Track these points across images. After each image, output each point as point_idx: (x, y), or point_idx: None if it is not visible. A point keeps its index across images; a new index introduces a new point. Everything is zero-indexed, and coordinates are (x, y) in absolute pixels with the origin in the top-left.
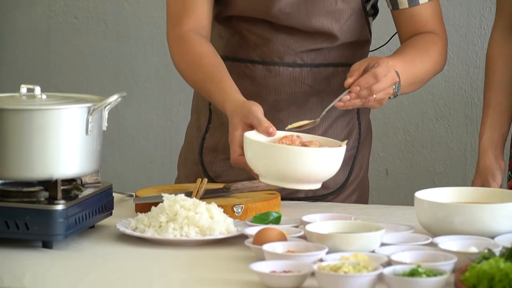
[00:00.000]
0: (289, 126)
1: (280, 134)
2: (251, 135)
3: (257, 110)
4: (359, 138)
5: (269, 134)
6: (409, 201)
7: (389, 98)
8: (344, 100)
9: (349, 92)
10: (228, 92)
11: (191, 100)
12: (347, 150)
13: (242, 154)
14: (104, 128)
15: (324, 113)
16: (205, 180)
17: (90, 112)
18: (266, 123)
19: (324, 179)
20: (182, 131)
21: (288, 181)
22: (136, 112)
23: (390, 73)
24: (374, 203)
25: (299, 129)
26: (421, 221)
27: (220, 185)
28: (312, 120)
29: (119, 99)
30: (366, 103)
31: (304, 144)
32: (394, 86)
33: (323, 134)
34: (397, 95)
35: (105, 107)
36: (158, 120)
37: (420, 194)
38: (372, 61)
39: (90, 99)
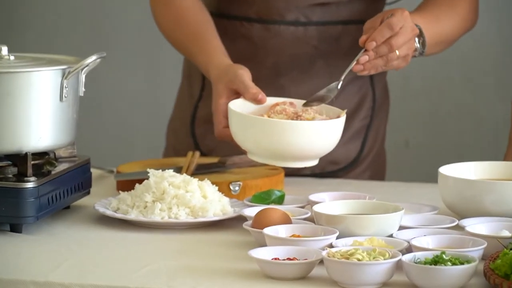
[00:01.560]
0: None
1: (270, 101)
2: (237, 105)
3: (244, 74)
4: (374, 105)
5: (257, 101)
6: (432, 177)
7: (414, 56)
8: (363, 62)
9: (366, 50)
10: (212, 54)
11: (182, 61)
12: (359, 120)
13: (228, 126)
14: (81, 94)
15: (341, 81)
16: (197, 153)
17: (64, 75)
18: (253, 88)
19: (321, 155)
20: (170, 97)
21: (279, 159)
22: (118, 75)
23: (407, 23)
24: (391, 180)
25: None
26: (446, 201)
27: (215, 159)
28: (330, 95)
29: (98, 60)
30: (390, 62)
31: (297, 115)
32: (417, 40)
33: (331, 103)
34: (423, 52)
35: (82, 69)
36: (143, 85)
37: (445, 170)
38: (385, 14)
39: (64, 60)
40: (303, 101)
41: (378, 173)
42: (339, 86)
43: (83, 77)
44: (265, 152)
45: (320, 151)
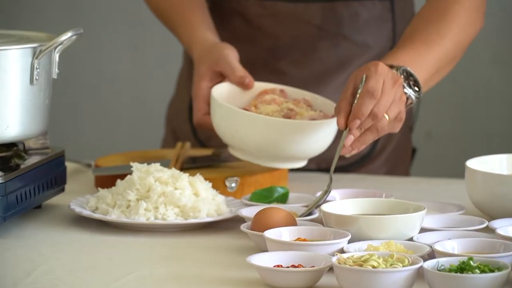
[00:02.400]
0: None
1: (259, 86)
2: (220, 90)
3: (230, 54)
4: None
5: (244, 86)
6: (458, 172)
7: (411, 105)
8: (349, 143)
9: (349, 130)
10: (196, 27)
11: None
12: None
13: (209, 113)
14: (55, 76)
15: (331, 179)
16: (187, 144)
17: (36, 55)
18: (240, 71)
19: (311, 156)
20: (158, 80)
21: (265, 158)
22: (97, 54)
23: (387, 78)
24: (412, 175)
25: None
26: (474, 199)
27: (208, 151)
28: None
29: (74, 37)
30: (381, 131)
31: (288, 108)
32: (405, 86)
33: (341, 84)
34: (420, 94)
35: (55, 48)
36: (126, 66)
37: (473, 163)
38: (357, 76)
39: (35, 37)
40: (295, 89)
41: (399, 167)
42: (330, 186)
43: (56, 56)
44: (249, 150)
45: (312, 152)
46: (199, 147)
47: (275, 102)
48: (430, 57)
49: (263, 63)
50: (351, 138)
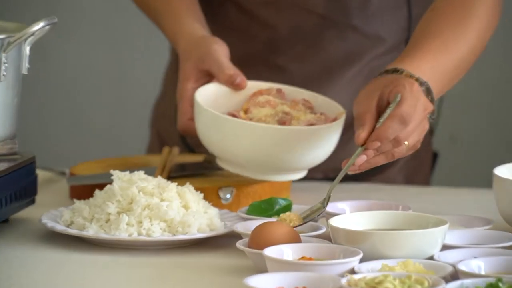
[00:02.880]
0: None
1: (253, 86)
2: (205, 93)
3: (218, 50)
4: None
5: (235, 86)
6: (485, 180)
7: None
8: (360, 163)
9: (366, 149)
10: (182, 19)
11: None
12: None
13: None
14: (25, 72)
15: (329, 194)
16: (176, 149)
17: (3, 47)
18: (230, 69)
19: (310, 166)
20: (142, 76)
21: (257, 170)
22: (74, 47)
23: (418, 102)
24: (433, 184)
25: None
26: (503, 212)
27: (200, 157)
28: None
29: (47, 27)
30: (396, 156)
31: (284, 112)
32: (429, 116)
33: (347, 84)
34: (433, 119)
35: (25, 39)
36: (106, 60)
37: (502, 171)
38: (388, 89)
39: (2, 27)
40: (294, 88)
41: (418, 174)
42: (326, 205)
43: (27, 49)
44: (238, 161)
45: (310, 162)
46: (188, 153)
47: (269, 104)
48: (447, 67)
49: (260, 58)
50: (363, 158)
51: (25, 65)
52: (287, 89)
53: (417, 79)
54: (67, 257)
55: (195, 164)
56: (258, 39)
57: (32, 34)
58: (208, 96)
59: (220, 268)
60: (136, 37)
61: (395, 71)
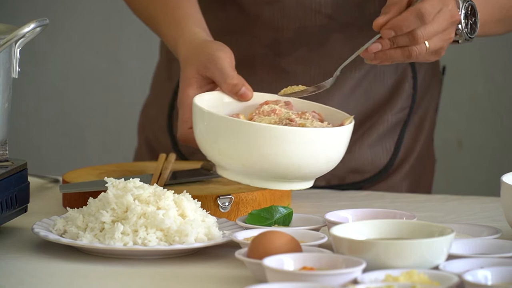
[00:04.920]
0: (282, 92)
1: (258, 97)
2: (207, 99)
3: (222, 57)
4: (414, 93)
5: (239, 97)
6: (493, 188)
7: (456, 42)
8: (373, 50)
9: (380, 37)
10: (183, 23)
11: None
12: (394, 113)
13: None
14: (15, 76)
15: (337, 72)
16: (173, 156)
17: None
18: (234, 78)
19: (317, 175)
20: (136, 79)
21: (259, 178)
22: (65, 49)
23: (445, 7)
24: (438, 192)
25: (297, 95)
26: (511, 220)
27: (197, 164)
28: (314, 86)
29: (38, 29)
30: (413, 55)
31: (289, 119)
32: (463, 25)
33: (354, 88)
34: (471, 38)
35: (16, 42)
36: (99, 64)
37: (510, 178)
38: None
39: None
40: (304, 101)
41: (421, 183)
42: (334, 77)
43: (17, 52)
44: (239, 168)
45: (317, 169)
46: (182, 161)
47: (274, 113)
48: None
49: (263, 61)
50: (377, 46)
51: (16, 68)
52: (296, 102)
53: None
54: (60, 267)
55: (192, 171)
56: (260, 40)
57: (23, 36)
58: (209, 102)
59: (218, 278)
60: (128, 42)
61: None
